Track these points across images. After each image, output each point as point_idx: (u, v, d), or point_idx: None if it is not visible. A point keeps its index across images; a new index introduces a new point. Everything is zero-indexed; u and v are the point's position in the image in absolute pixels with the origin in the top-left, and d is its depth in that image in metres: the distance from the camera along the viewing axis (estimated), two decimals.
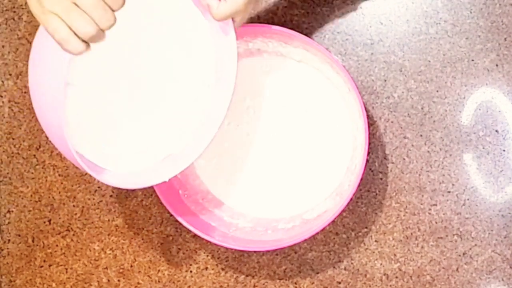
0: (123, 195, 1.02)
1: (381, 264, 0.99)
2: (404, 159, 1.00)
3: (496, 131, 0.99)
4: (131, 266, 1.02)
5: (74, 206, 1.02)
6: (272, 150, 0.97)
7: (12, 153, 1.03)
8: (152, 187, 0.95)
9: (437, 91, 1.00)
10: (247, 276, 1.01)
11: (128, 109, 0.85)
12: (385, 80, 1.00)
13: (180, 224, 0.94)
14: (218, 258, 1.01)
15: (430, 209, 0.99)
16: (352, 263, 1.00)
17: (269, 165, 0.97)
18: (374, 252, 1.00)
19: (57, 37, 0.65)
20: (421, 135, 1.00)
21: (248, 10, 0.78)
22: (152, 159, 0.87)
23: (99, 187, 1.02)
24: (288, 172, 0.97)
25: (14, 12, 1.03)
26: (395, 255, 0.99)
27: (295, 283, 1.00)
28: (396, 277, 0.99)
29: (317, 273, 1.00)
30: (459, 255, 0.99)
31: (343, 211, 0.99)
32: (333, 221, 0.98)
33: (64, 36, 0.65)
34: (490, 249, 0.99)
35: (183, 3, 0.82)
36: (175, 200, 0.95)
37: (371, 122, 0.99)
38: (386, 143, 1.00)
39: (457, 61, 1.00)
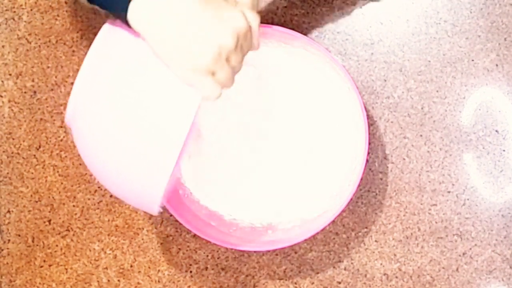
0: None
1: (381, 264, 1.00)
2: (404, 159, 1.00)
3: (496, 131, 0.99)
4: (131, 266, 1.02)
5: (74, 206, 1.02)
6: (272, 151, 0.97)
7: (12, 153, 1.03)
8: None
9: (437, 91, 1.00)
10: (247, 276, 1.01)
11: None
12: (385, 80, 1.00)
13: (180, 224, 0.94)
14: (218, 258, 1.01)
15: (430, 209, 0.99)
16: (352, 263, 1.00)
17: (269, 165, 0.97)
18: (374, 252, 1.00)
19: (209, 98, 0.71)
20: (421, 135, 1.00)
21: None
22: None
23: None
24: (288, 172, 0.97)
25: (14, 12, 1.03)
26: (395, 255, 0.99)
27: (295, 283, 1.00)
28: (396, 277, 0.99)
29: (317, 273, 1.00)
30: (459, 255, 0.99)
31: (343, 211, 0.99)
32: (333, 221, 0.99)
33: (217, 95, 0.71)
34: (490, 249, 0.99)
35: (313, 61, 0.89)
36: (175, 200, 0.95)
37: (371, 122, 0.99)
38: (386, 143, 1.00)
39: (457, 61, 1.00)
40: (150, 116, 0.71)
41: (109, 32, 0.75)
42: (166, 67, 0.70)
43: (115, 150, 0.73)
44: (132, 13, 0.68)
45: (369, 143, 0.99)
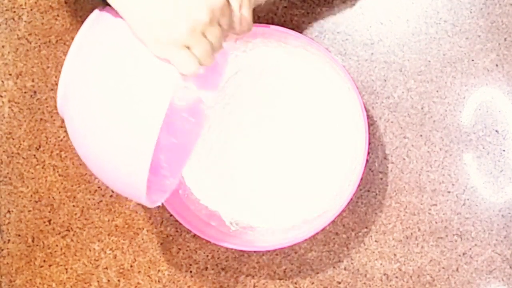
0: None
1: (381, 264, 1.00)
2: (404, 159, 1.00)
3: (496, 131, 0.99)
4: (131, 266, 1.02)
5: (74, 206, 1.02)
6: (272, 151, 0.97)
7: (12, 153, 1.03)
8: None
9: (437, 91, 1.00)
10: (247, 276, 1.01)
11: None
12: (385, 80, 1.00)
13: (180, 224, 0.94)
14: (218, 258, 1.01)
15: (430, 209, 0.99)
16: (352, 263, 1.00)
17: (269, 165, 0.97)
18: (374, 252, 1.00)
19: (186, 71, 0.71)
20: (421, 135, 1.00)
21: None
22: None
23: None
24: (288, 172, 0.97)
25: (14, 12, 1.03)
26: (395, 255, 0.99)
27: (295, 283, 1.00)
28: (396, 277, 0.99)
29: (317, 273, 1.00)
30: (459, 255, 0.99)
31: (343, 211, 0.99)
32: (333, 221, 0.98)
33: (194, 70, 0.72)
34: (490, 249, 0.99)
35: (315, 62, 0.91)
36: (175, 200, 0.95)
37: (371, 122, 0.99)
38: (386, 143, 1.00)
39: (457, 61, 1.00)
40: (131, 100, 0.72)
41: (97, 18, 0.75)
42: (143, 43, 0.71)
43: (103, 136, 0.73)
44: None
45: (369, 143, 0.99)
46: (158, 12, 0.70)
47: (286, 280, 1.00)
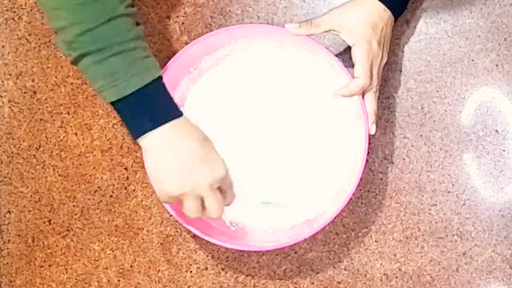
0: (123, 195, 1.02)
1: (381, 264, 1.00)
2: (404, 159, 1.00)
3: (496, 131, 0.99)
4: (131, 266, 1.02)
5: (74, 206, 1.02)
6: (272, 151, 0.97)
7: (12, 153, 1.03)
8: (151, 186, 0.95)
9: (437, 91, 1.00)
10: (247, 276, 1.01)
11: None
12: (385, 80, 1.00)
13: (180, 224, 0.94)
14: (218, 258, 1.01)
15: (430, 209, 0.99)
16: (352, 263, 1.00)
17: (268, 165, 0.97)
18: (374, 252, 1.00)
19: (191, 216, 0.87)
20: (421, 135, 1.00)
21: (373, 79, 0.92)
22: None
23: (99, 187, 1.02)
24: (288, 172, 0.97)
25: (14, 12, 1.03)
26: (395, 255, 0.99)
27: (295, 283, 1.00)
28: (396, 277, 0.99)
29: (317, 273, 1.00)
30: (459, 255, 0.99)
31: (343, 211, 0.99)
32: (333, 221, 0.99)
33: (195, 217, 0.87)
34: (490, 249, 0.99)
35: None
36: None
37: None
38: (386, 143, 1.00)
39: (457, 61, 1.00)
40: None
41: None
42: (157, 187, 0.86)
43: None
44: (144, 141, 0.84)
45: (369, 143, 0.99)
46: (187, 165, 0.84)
47: (286, 280, 1.00)
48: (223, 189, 0.88)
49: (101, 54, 0.80)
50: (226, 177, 0.87)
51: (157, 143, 0.84)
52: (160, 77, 0.84)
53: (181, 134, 0.84)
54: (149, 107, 0.83)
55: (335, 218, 0.91)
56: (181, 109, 0.85)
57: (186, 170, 0.84)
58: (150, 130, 0.83)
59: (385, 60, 0.92)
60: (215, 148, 0.87)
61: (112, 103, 0.83)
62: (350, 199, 0.90)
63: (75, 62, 0.82)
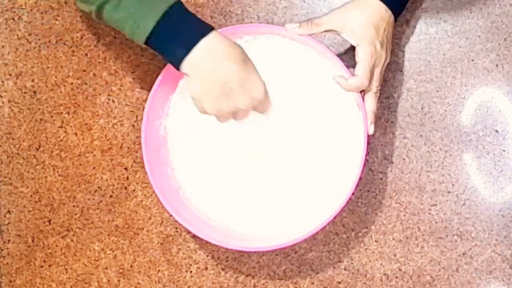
0: (123, 195, 1.02)
1: (381, 264, 1.00)
2: (404, 159, 1.00)
3: (496, 131, 0.99)
4: (131, 266, 1.02)
5: (74, 206, 1.02)
6: (271, 150, 0.97)
7: (12, 153, 1.03)
8: (151, 186, 0.95)
9: (437, 91, 1.00)
10: (247, 276, 1.01)
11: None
12: (385, 80, 1.00)
13: (180, 224, 0.94)
14: (218, 258, 1.01)
15: (430, 209, 0.99)
16: (352, 263, 1.00)
17: (268, 165, 0.97)
18: (374, 252, 1.00)
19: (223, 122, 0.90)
20: (421, 135, 1.00)
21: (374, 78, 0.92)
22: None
23: (99, 187, 1.02)
24: (287, 172, 0.96)
25: (14, 12, 1.03)
26: (395, 255, 0.99)
27: (295, 283, 1.00)
28: (396, 277, 0.99)
29: (317, 273, 1.00)
30: (459, 255, 0.99)
31: (343, 211, 0.99)
32: (333, 221, 0.99)
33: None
34: (490, 249, 0.99)
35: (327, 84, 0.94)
36: (175, 200, 0.95)
37: None
38: (386, 143, 1.00)
39: (457, 61, 1.00)
40: None
41: None
42: (197, 102, 0.88)
43: None
44: (183, 67, 0.85)
45: (369, 143, 0.99)
46: (227, 88, 0.86)
47: (286, 280, 1.00)
48: (259, 110, 0.90)
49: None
50: (265, 100, 0.89)
51: (195, 66, 0.84)
52: (178, 2, 0.85)
53: (218, 54, 0.84)
54: (175, 35, 0.84)
55: (335, 218, 0.91)
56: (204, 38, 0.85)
57: (225, 93, 0.85)
58: (185, 56, 0.83)
59: (388, 60, 0.93)
60: (255, 69, 0.88)
61: (148, 45, 0.85)
62: (350, 198, 0.90)
63: (99, 16, 0.85)
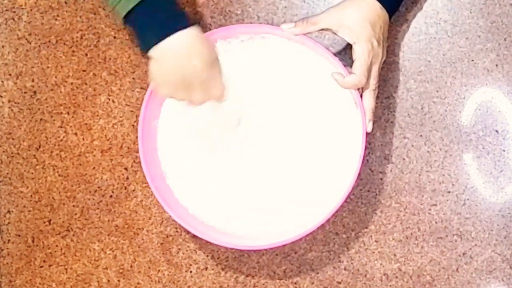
0: (123, 195, 1.02)
1: (381, 264, 1.00)
2: (404, 159, 1.00)
3: (496, 131, 0.99)
4: (131, 266, 1.02)
5: (74, 206, 1.02)
6: (271, 149, 0.97)
7: (12, 153, 1.03)
8: (151, 187, 0.95)
9: (437, 91, 1.00)
10: (247, 276, 1.01)
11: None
12: (385, 80, 1.00)
13: (180, 224, 0.94)
14: (218, 258, 1.01)
15: (430, 209, 0.99)
16: (352, 263, 1.00)
17: (267, 165, 0.97)
18: (374, 252, 1.00)
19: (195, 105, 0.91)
20: (421, 135, 1.00)
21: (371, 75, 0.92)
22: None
23: (99, 187, 1.02)
24: (286, 172, 0.96)
25: (14, 12, 1.03)
26: (395, 255, 0.99)
27: (295, 283, 1.00)
28: (396, 277, 0.99)
29: (317, 273, 1.00)
30: (459, 255, 0.99)
31: (343, 211, 0.99)
32: (333, 221, 0.99)
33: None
34: (490, 249, 0.99)
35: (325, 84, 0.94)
36: (174, 200, 0.95)
37: None
38: (386, 143, 1.00)
39: (457, 61, 1.00)
40: None
41: None
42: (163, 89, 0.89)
43: None
44: (152, 51, 0.86)
45: (369, 143, 0.99)
46: (186, 82, 0.87)
47: (286, 280, 1.00)
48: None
49: None
50: (220, 98, 0.91)
51: (164, 54, 0.85)
52: None
53: (188, 50, 0.86)
54: (153, 19, 0.85)
55: (334, 217, 0.91)
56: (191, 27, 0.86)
57: (184, 85, 0.87)
58: (156, 42, 0.85)
59: (384, 58, 0.93)
60: (220, 73, 0.90)
61: (125, 23, 0.86)
62: (348, 196, 0.90)
63: None
